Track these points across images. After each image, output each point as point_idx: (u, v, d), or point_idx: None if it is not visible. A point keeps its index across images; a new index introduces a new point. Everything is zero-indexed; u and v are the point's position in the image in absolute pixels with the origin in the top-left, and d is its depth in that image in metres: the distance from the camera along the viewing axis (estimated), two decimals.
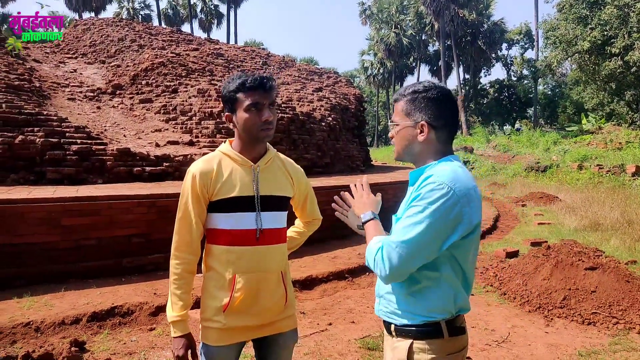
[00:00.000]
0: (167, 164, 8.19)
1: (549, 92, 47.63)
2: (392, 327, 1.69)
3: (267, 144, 2.04)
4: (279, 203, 2.02)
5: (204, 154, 8.82)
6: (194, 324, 4.05)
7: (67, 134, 7.89)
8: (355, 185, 1.93)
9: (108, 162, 7.68)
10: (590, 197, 12.86)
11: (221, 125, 9.86)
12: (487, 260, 7.12)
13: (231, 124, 1.97)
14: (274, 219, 2.00)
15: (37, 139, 7.36)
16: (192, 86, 11.87)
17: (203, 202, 1.91)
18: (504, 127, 46.55)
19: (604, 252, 6.39)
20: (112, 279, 5.50)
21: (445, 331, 1.60)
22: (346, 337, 4.18)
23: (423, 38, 46.28)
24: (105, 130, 9.61)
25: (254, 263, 1.91)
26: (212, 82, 12.20)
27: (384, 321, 1.74)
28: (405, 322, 1.64)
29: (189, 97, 11.22)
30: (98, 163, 7.62)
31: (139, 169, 7.86)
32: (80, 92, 12.24)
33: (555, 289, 5.03)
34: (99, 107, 11.44)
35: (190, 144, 9.45)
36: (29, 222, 5.23)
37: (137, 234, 5.80)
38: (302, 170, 2.24)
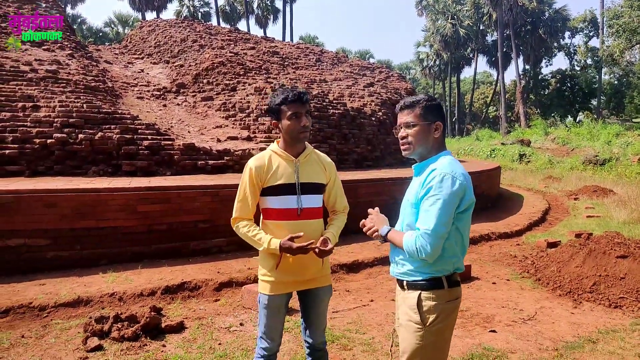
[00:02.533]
0: (227, 158, 8.93)
1: (615, 82, 45.38)
2: (405, 282, 2.21)
3: (305, 142, 2.64)
4: (315, 188, 2.63)
5: (261, 148, 9.52)
6: (251, 292, 4.69)
7: (139, 130, 8.79)
8: (370, 212, 2.44)
9: (175, 156, 8.51)
10: None
11: None
12: (528, 249, 7.38)
13: (277, 129, 2.59)
14: (311, 200, 2.60)
15: (114, 136, 8.28)
16: (249, 84, 12.62)
17: (257, 188, 2.54)
18: (566, 119, 44.84)
19: None
20: (181, 259, 6.24)
21: (445, 283, 2.13)
22: (385, 312, 4.68)
23: (481, 28, 45.29)
24: (172, 126, 10.50)
25: (296, 232, 2.49)
26: (268, 80, 12.90)
27: (398, 279, 2.26)
28: (415, 278, 2.17)
29: (247, 95, 11.97)
30: (167, 157, 8.46)
31: (203, 162, 8.64)
32: (148, 91, 13.30)
33: (586, 275, 5.30)
34: (165, 105, 12.42)
35: (248, 139, 10.18)
36: (110, 208, 6.03)
37: (202, 220, 6.52)
38: (333, 163, 2.82)
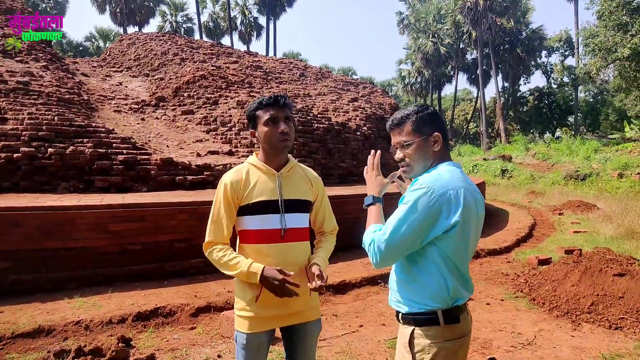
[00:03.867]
0: (207, 173, 8.57)
1: (591, 100, 46.32)
2: (400, 315, 1.92)
3: (288, 155, 2.33)
4: (301, 206, 2.30)
5: None
6: (230, 320, 4.32)
7: (114, 144, 8.38)
8: (370, 157, 2.16)
9: (152, 171, 8.12)
10: (629, 206, 12.57)
11: None
12: (519, 267, 7.14)
13: (255, 138, 2.30)
14: (297, 220, 2.26)
15: (87, 150, 7.86)
16: (231, 98, 12.32)
17: (233, 207, 2.21)
18: (544, 136, 45.50)
19: (637, 260, 6.34)
20: (156, 282, 5.83)
21: (441, 319, 1.81)
22: (376, 338, 4.35)
23: (461, 46, 45.90)
24: (149, 140, 10.11)
25: (280, 258, 2.17)
26: (251, 94, 12.62)
27: (395, 310, 1.97)
28: (407, 310, 1.88)
29: (229, 109, 11.65)
30: (143, 172, 8.07)
31: (181, 177, 8.27)
32: (126, 104, 12.90)
33: (583, 295, 5.06)
34: (143, 119, 12.02)
35: (230, 153, 9.83)
36: (80, 227, 5.62)
37: (179, 239, 6.14)
38: (320, 178, 2.51)
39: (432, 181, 1.78)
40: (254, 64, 16.33)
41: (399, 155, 1.95)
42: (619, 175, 18.09)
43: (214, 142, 10.82)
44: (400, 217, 1.77)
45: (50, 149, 7.56)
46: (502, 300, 5.62)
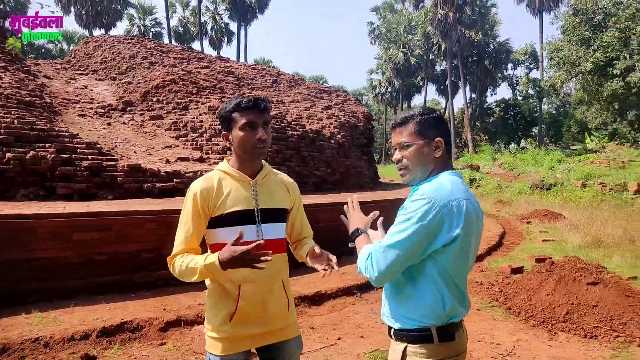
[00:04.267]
0: (177, 180, 8.30)
1: (554, 112, 47.77)
2: (392, 331, 1.81)
3: (262, 160, 2.18)
4: (278, 215, 2.15)
5: None
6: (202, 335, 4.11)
7: (78, 149, 8.02)
8: (347, 205, 2.13)
9: (119, 178, 7.80)
10: (594, 215, 12.89)
11: None
12: (492, 276, 7.15)
13: (227, 142, 2.11)
14: (274, 230, 2.12)
15: (49, 155, 7.49)
16: (202, 103, 12.05)
17: (204, 218, 2.03)
18: (510, 146, 46.61)
19: (606, 268, 6.46)
20: (122, 294, 5.55)
21: (435, 336, 1.70)
22: (355, 351, 4.22)
23: (430, 58, 46.67)
24: (116, 146, 9.76)
25: (257, 272, 1.97)
26: (223, 99, 12.39)
27: (388, 325, 1.85)
28: (399, 326, 1.77)
29: (200, 114, 11.39)
30: (109, 179, 7.74)
31: (150, 184, 7.97)
32: (91, 108, 12.45)
33: (558, 304, 5.07)
34: (109, 124, 11.62)
35: (201, 160, 9.58)
36: (40, 237, 5.30)
37: (147, 249, 5.88)
38: (296, 184, 2.37)
39: (434, 191, 1.68)
40: (225, 70, 16.09)
41: (397, 156, 1.85)
42: (583, 185, 18.60)
43: (184, 148, 10.54)
44: (400, 229, 1.66)
45: (8, 154, 7.16)
46: (479, 309, 5.58)
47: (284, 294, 2.14)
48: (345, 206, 2.13)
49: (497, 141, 45.24)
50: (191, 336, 4.38)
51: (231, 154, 2.16)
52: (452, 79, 42.59)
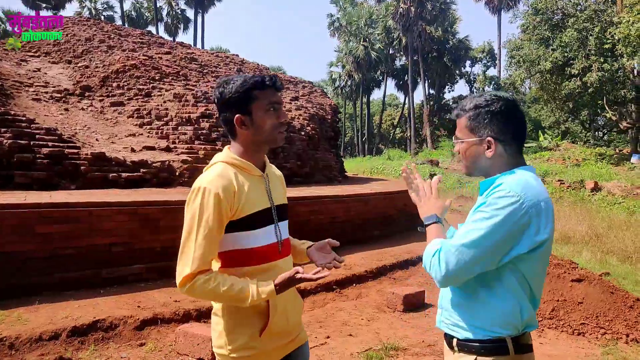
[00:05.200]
0: (144, 170, 7.89)
1: None
2: (455, 341, 1.64)
3: None
4: (285, 211, 1.95)
5: (183, 160, 8.57)
6: (188, 335, 3.85)
7: (36, 136, 7.49)
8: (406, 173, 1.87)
9: (82, 167, 7.32)
10: (556, 211, 13.24)
11: (199, 132, 9.61)
12: None
13: (243, 127, 1.76)
14: (285, 229, 1.92)
15: (5, 141, 6.94)
16: (166, 90, 11.55)
17: (225, 222, 1.71)
18: None
19: (577, 265, 6.58)
20: (92, 291, 5.18)
21: (511, 348, 1.55)
22: (347, 351, 4.08)
23: (391, 52, 46.97)
24: (76, 133, 9.19)
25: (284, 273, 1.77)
26: (188, 87, 11.92)
27: (446, 334, 1.69)
28: (468, 336, 1.60)
29: (164, 102, 10.90)
30: (71, 167, 7.25)
31: (115, 174, 7.54)
32: (46, 92, 11.69)
33: (543, 301, 5.10)
34: (66, 109, 10.94)
35: (168, 150, 9.16)
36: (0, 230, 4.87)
37: (118, 242, 5.51)
38: None
39: (521, 189, 1.50)
40: (188, 56, 15.51)
41: (455, 148, 1.72)
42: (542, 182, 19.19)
43: (148, 136, 10.05)
44: (479, 227, 1.48)
45: None
46: None
47: (299, 298, 1.98)
48: (403, 174, 1.88)
49: (454, 137, 46.20)
50: (175, 337, 4.10)
51: (229, 142, 1.86)
52: (412, 74, 43.11)
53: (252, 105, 1.74)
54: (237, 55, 18.45)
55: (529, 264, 1.53)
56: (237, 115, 1.75)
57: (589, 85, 21.19)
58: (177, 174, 8.40)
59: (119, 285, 5.44)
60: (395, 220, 9.69)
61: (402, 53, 45.54)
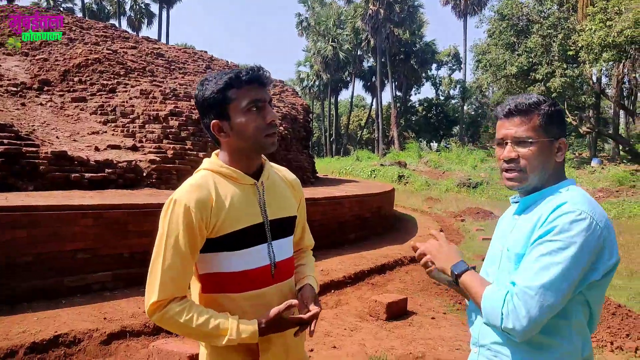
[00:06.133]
0: (109, 170, 7.44)
1: (472, 112, 50.20)
2: None
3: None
4: (288, 226, 1.66)
5: (151, 160, 8.15)
6: (163, 352, 3.55)
7: None
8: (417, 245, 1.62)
9: (41, 167, 6.83)
10: None
11: (168, 130, 9.19)
12: None
13: (222, 134, 1.51)
14: (285, 248, 1.64)
15: None
16: (132, 86, 11.05)
17: (200, 241, 1.46)
18: (431, 144, 48.47)
19: None
20: (51, 302, 4.77)
21: None
22: None
23: (359, 53, 47.10)
24: (35, 130, 8.63)
25: (269, 308, 1.50)
26: (155, 83, 11.45)
27: None
28: None
29: (130, 98, 10.41)
30: (29, 167, 6.75)
31: (77, 175, 7.07)
32: (1, 85, 11.00)
33: None
34: (23, 104, 10.30)
35: (134, 149, 8.71)
36: None
37: (81, 249, 5.10)
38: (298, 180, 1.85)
39: (589, 208, 1.31)
40: (154, 52, 14.98)
41: (511, 153, 1.44)
42: None
43: (113, 134, 9.56)
44: (556, 261, 1.26)
45: None
46: (445, 313, 5.43)
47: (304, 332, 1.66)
48: (436, 234, 1.61)
49: (420, 139, 46.77)
50: (148, 353, 3.78)
51: (218, 149, 1.59)
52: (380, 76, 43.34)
53: (227, 108, 1.48)
54: (205, 52, 17.98)
55: (597, 291, 1.36)
56: (213, 122, 1.50)
57: (552, 90, 21.74)
58: (144, 174, 7.98)
59: (83, 295, 5.05)
60: (370, 222, 9.55)
61: (370, 54, 45.76)
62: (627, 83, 23.85)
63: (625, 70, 20.66)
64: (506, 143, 1.46)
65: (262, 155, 1.62)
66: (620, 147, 25.53)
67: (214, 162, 1.56)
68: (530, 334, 1.28)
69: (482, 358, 1.48)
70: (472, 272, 1.45)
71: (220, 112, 1.48)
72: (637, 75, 20.76)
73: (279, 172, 1.74)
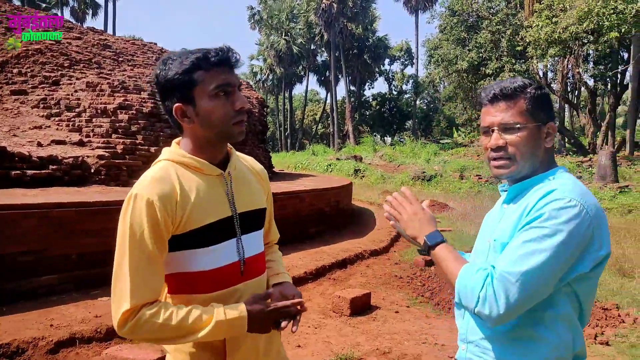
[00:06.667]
0: (53, 167, 6.99)
1: (425, 107, 51.20)
2: None
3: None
4: (258, 219, 1.54)
5: (99, 156, 7.74)
6: None
7: None
8: (393, 197, 1.50)
9: None
10: (477, 206, 13.77)
11: (117, 124, 8.75)
12: (408, 269, 7.09)
13: (185, 119, 1.37)
14: (255, 243, 1.52)
15: None
16: (77, 78, 10.48)
17: (166, 239, 1.33)
18: (385, 138, 49.11)
19: None
20: None
21: None
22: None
23: (312, 48, 46.96)
24: None
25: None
26: (102, 75, 10.90)
27: None
28: None
29: (76, 91, 9.86)
30: None
31: (19, 172, 6.60)
32: None
33: None
34: None
35: (81, 144, 8.24)
36: None
37: (25, 251, 4.75)
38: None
39: (579, 196, 1.24)
40: (101, 43, 14.28)
41: (498, 141, 1.35)
42: (460, 177, 19.96)
43: (57, 129, 9.02)
44: (542, 248, 1.19)
45: None
46: (408, 306, 5.41)
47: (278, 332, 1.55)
48: (386, 205, 1.50)
49: (374, 134, 47.28)
50: None
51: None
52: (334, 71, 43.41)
53: (192, 91, 1.33)
54: (155, 44, 17.34)
55: (586, 284, 1.29)
56: (176, 105, 1.35)
57: None
58: (92, 170, 7.57)
59: (26, 300, 4.71)
60: (330, 217, 9.47)
61: (323, 49, 45.75)
62: (571, 78, 24.87)
63: (570, 66, 21.55)
64: (492, 131, 1.38)
65: (229, 144, 1.49)
66: (566, 140, 26.65)
67: (174, 152, 1.41)
68: (504, 321, 1.22)
69: (470, 355, 1.41)
70: (447, 245, 1.37)
71: (185, 96, 1.34)
72: (581, 70, 21.67)
73: (245, 162, 1.62)
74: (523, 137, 1.33)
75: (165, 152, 1.44)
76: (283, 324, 1.40)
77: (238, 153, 1.58)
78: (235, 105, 1.36)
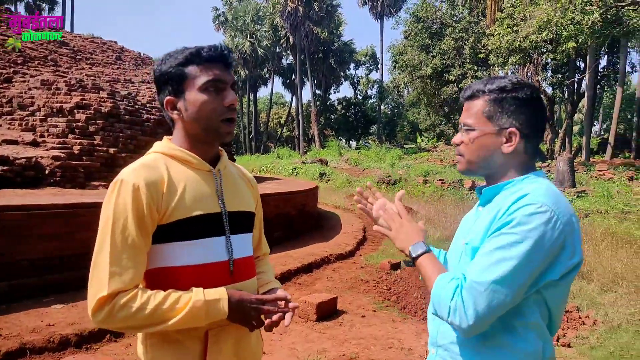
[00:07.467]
0: (5, 168, 6.63)
1: (389, 112, 51.81)
2: None
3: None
4: (247, 221, 1.52)
5: (54, 157, 7.40)
6: None
7: None
8: (385, 210, 1.50)
9: None
10: (440, 210, 13.95)
11: (74, 124, 8.40)
12: (374, 272, 7.07)
13: (175, 112, 1.38)
14: (244, 244, 1.48)
15: None
16: (32, 76, 10.04)
17: (151, 227, 1.28)
18: (350, 142, 49.41)
19: None
20: None
21: None
22: None
23: (278, 50, 46.80)
24: None
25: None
26: (58, 73, 10.50)
27: None
28: None
29: (29, 89, 9.44)
30: None
31: None
32: None
33: None
34: None
35: (35, 144, 7.86)
36: None
37: None
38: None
39: (552, 201, 1.20)
40: (58, 40, 13.80)
41: (455, 138, 1.38)
42: (424, 181, 20.22)
43: (9, 128, 8.60)
44: (510, 256, 1.15)
45: None
46: (375, 310, 5.37)
47: (259, 336, 1.54)
48: (397, 203, 1.50)
49: (339, 138, 47.48)
50: None
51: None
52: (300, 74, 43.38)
53: (184, 84, 1.35)
54: (115, 42, 16.87)
55: (556, 292, 1.25)
56: (167, 98, 1.38)
57: None
58: (47, 172, 7.22)
59: None
60: (296, 220, 9.38)
61: (289, 52, 45.62)
62: None
63: (529, 74, 22.21)
64: (460, 127, 1.40)
65: (219, 147, 1.49)
66: None
67: (165, 145, 1.41)
68: (476, 331, 1.19)
69: (439, 359, 1.37)
70: (429, 256, 1.34)
71: (176, 89, 1.36)
72: (540, 78, 22.37)
73: (235, 167, 1.62)
74: (472, 139, 1.33)
75: (157, 145, 1.42)
76: (267, 321, 1.37)
77: (229, 160, 1.57)
78: (226, 101, 1.35)
